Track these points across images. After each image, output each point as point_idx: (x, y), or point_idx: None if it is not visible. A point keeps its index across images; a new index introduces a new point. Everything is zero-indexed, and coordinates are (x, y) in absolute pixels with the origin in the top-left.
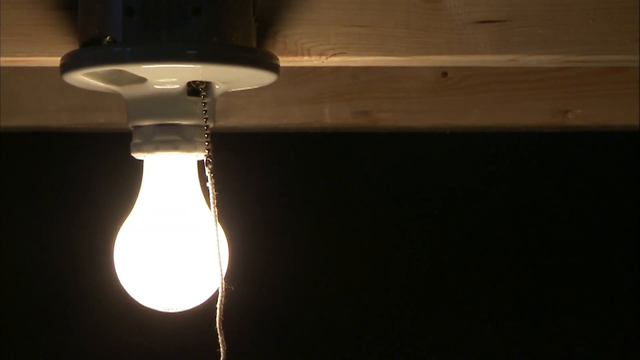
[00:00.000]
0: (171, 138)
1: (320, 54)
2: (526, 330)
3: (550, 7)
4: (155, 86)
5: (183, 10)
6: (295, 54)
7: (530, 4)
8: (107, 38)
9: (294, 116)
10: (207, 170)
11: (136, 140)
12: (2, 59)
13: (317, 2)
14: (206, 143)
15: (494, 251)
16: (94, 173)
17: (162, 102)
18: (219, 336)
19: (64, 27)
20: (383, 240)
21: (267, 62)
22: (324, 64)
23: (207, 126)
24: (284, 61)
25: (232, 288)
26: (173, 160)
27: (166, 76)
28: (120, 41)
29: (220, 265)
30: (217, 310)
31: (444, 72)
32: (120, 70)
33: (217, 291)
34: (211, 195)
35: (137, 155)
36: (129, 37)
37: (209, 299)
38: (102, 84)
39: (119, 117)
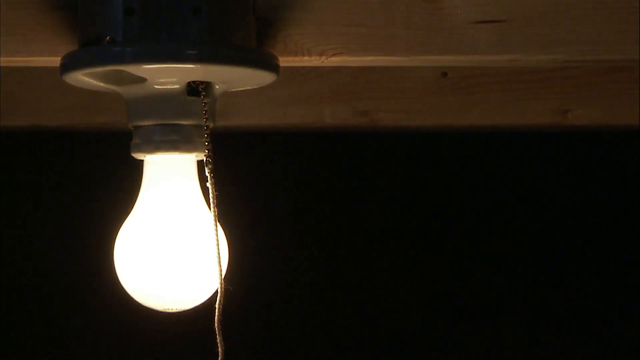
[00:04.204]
0: (171, 138)
1: (320, 54)
2: (526, 330)
3: (550, 7)
4: (155, 86)
5: (183, 10)
6: (295, 54)
7: (530, 4)
8: (107, 38)
9: (294, 116)
10: (207, 170)
11: (136, 140)
12: (2, 59)
13: (317, 2)
14: (206, 143)
15: (494, 251)
16: (94, 173)
17: (162, 102)
18: (217, 336)
19: (64, 27)
20: (383, 240)
21: (267, 62)
22: (324, 64)
23: (207, 126)
24: (284, 61)
25: (232, 288)
26: (173, 160)
27: (166, 76)
28: (120, 41)
29: (220, 265)
30: (216, 310)
31: (444, 72)
32: (120, 70)
33: (217, 291)
34: (211, 195)
35: (137, 155)
36: (129, 37)
37: (208, 299)
38: (102, 84)
39: (119, 117)
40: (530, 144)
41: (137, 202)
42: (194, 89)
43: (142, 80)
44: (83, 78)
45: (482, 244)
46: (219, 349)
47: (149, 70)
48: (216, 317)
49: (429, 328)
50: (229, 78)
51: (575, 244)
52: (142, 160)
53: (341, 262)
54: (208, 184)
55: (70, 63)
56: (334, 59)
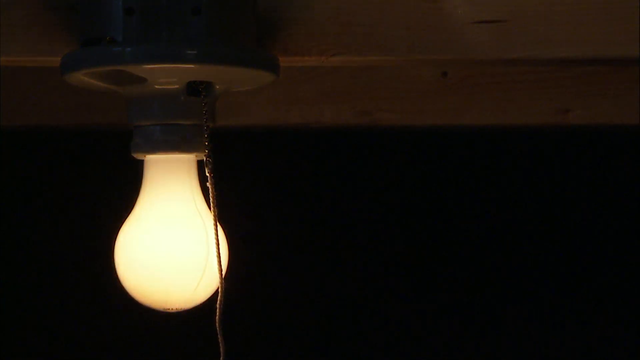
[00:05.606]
0: (171, 138)
1: (320, 54)
2: (526, 330)
3: (550, 7)
4: (156, 86)
5: (183, 10)
6: (295, 54)
7: (530, 4)
8: (107, 38)
9: (294, 116)
10: (207, 170)
11: (136, 140)
12: (2, 59)
13: (317, 2)
14: (206, 143)
15: (494, 251)
16: (94, 173)
17: (162, 102)
18: (218, 336)
19: (64, 27)
20: (383, 240)
21: (267, 62)
22: (324, 64)
23: (207, 126)
24: (284, 61)
25: (232, 288)
26: (173, 160)
27: (166, 76)
28: (120, 41)
29: (220, 265)
30: (217, 310)
31: (444, 72)
32: (121, 70)
33: (217, 291)
34: (211, 195)
35: (138, 155)
36: (129, 37)
37: (209, 299)
38: (102, 84)
39: (119, 117)
40: (531, 143)
41: (138, 202)
42: (194, 89)
43: (142, 80)
44: (83, 78)
45: (482, 244)
46: (221, 349)
47: (149, 70)
48: (217, 317)
49: (430, 328)
50: (229, 78)
51: (576, 243)
52: (142, 160)
53: (342, 261)
54: (208, 184)
55: (71, 63)
56: (334, 59)
